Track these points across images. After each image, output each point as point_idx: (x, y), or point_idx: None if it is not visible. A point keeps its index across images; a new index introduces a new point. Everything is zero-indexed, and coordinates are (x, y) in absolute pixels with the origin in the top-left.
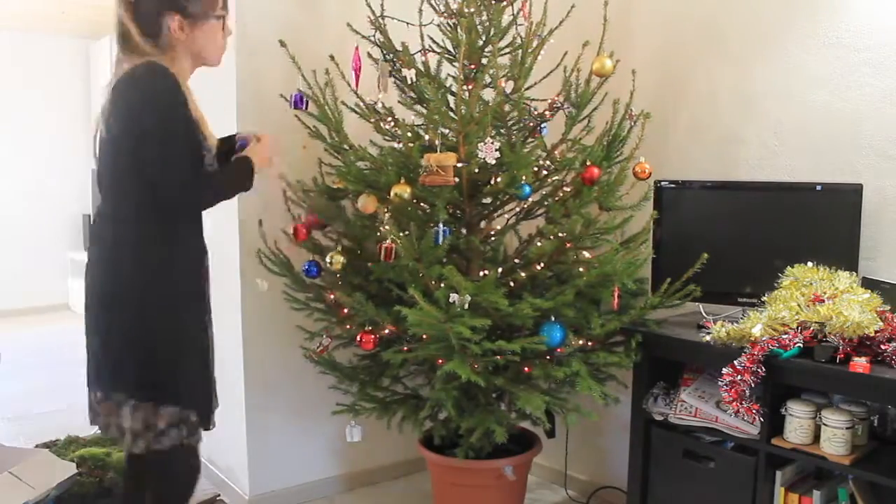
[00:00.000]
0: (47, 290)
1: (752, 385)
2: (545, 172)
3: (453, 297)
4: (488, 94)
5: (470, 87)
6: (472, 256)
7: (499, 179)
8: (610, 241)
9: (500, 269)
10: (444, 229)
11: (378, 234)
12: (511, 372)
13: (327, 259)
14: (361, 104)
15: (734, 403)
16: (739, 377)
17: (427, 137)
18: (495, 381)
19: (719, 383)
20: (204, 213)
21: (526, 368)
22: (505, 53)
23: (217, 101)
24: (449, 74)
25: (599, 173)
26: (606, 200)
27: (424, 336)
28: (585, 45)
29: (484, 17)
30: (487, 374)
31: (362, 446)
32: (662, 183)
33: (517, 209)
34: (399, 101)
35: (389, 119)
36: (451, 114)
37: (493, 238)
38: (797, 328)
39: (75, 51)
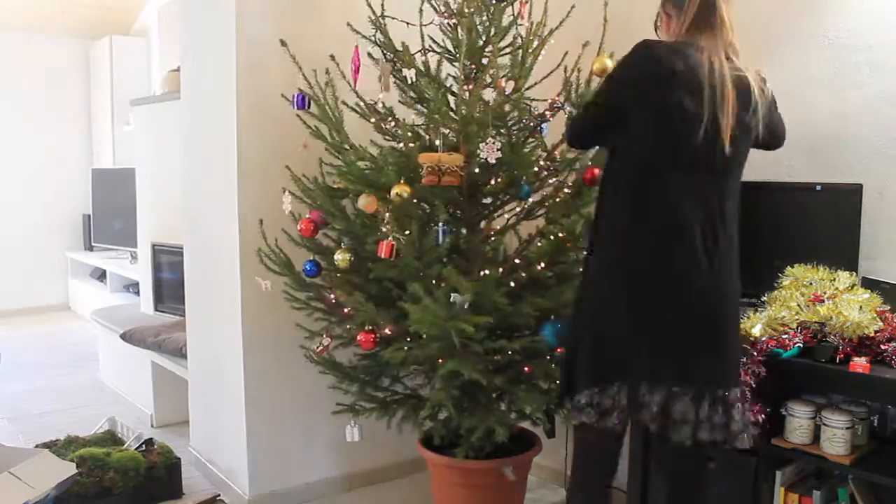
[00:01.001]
0: (47, 290)
1: (753, 385)
2: (545, 172)
3: (454, 296)
4: (489, 95)
5: (470, 87)
6: (472, 256)
7: (499, 179)
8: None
9: (500, 270)
10: (445, 229)
11: (379, 233)
12: (511, 372)
13: (335, 257)
14: (362, 104)
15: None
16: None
17: (427, 137)
18: (496, 381)
19: None
20: (205, 212)
21: (526, 368)
22: (505, 53)
23: (217, 101)
24: (449, 74)
25: (600, 172)
26: None
27: (425, 335)
28: (585, 45)
29: (484, 17)
30: (488, 374)
31: (362, 446)
32: None
33: (517, 209)
34: (400, 101)
35: (390, 119)
36: (452, 114)
37: (493, 238)
38: (797, 328)
39: (75, 51)
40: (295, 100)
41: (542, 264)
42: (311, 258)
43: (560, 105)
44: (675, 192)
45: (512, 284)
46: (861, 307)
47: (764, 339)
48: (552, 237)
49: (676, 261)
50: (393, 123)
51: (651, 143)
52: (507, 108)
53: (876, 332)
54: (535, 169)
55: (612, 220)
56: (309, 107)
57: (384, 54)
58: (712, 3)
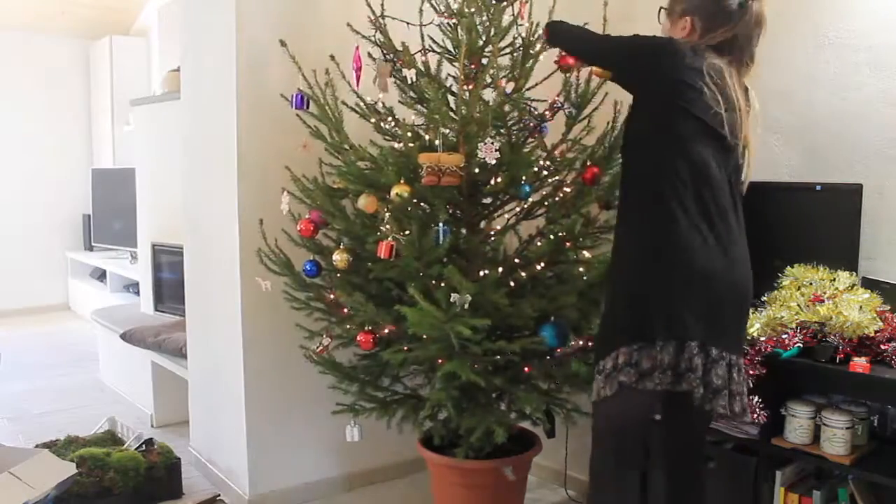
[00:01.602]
0: (47, 290)
1: (752, 385)
2: (545, 172)
3: (454, 296)
4: (489, 95)
5: (470, 87)
6: (472, 256)
7: (499, 179)
8: (610, 241)
9: (500, 270)
10: (445, 229)
11: (378, 233)
12: (511, 372)
13: (334, 257)
14: (362, 104)
15: None
16: None
17: (427, 137)
18: (495, 381)
19: None
20: (205, 212)
21: (526, 368)
22: (505, 54)
23: (217, 101)
24: (449, 74)
25: (600, 171)
26: (608, 197)
27: (424, 336)
28: None
29: (484, 18)
30: (487, 374)
31: (362, 446)
32: None
33: (517, 209)
34: (399, 101)
35: (390, 119)
36: (452, 114)
37: (493, 238)
38: (797, 328)
39: (75, 51)
40: (293, 100)
41: (542, 264)
42: (311, 258)
43: (560, 105)
44: (709, 163)
45: (512, 284)
46: (861, 307)
47: (763, 339)
48: (552, 237)
49: (721, 230)
50: (393, 123)
51: (679, 113)
52: (507, 108)
53: (876, 332)
54: (535, 169)
55: (649, 187)
56: (308, 107)
57: (384, 54)
58: (748, 40)
